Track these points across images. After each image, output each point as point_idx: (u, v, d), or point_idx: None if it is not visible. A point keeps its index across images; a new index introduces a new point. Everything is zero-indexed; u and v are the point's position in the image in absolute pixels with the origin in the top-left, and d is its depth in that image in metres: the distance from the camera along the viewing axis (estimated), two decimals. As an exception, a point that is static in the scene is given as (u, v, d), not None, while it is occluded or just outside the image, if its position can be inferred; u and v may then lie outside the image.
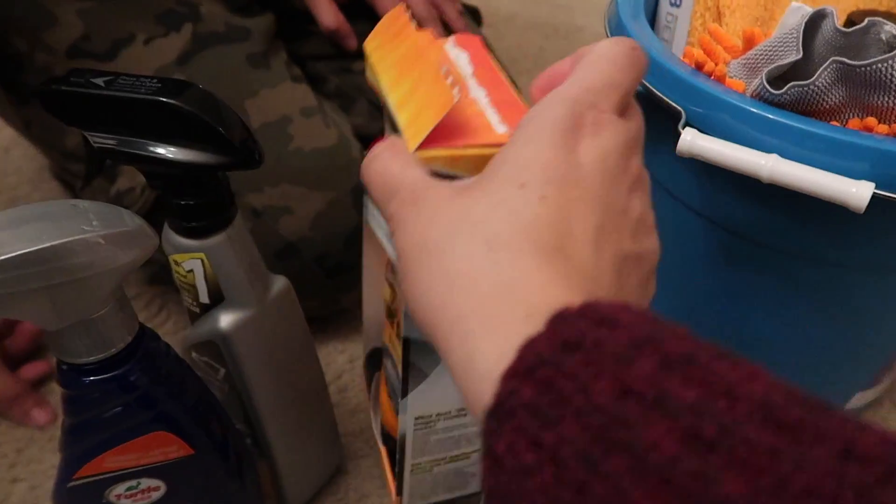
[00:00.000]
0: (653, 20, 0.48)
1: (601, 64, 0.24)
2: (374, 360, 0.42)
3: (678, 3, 0.46)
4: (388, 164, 0.25)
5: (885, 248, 0.37)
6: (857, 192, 0.31)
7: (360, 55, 0.62)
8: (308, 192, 0.50)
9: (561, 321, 0.18)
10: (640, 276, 0.24)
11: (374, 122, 0.63)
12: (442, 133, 0.25)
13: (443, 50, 0.30)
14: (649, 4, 0.47)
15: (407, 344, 0.31)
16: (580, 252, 0.21)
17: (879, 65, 0.31)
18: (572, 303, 0.18)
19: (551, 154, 0.22)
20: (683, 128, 0.35)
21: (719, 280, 0.44)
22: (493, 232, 0.21)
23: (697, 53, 0.38)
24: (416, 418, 0.35)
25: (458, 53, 0.31)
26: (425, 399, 0.34)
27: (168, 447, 0.32)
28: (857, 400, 0.49)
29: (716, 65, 0.36)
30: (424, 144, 0.25)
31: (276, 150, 0.50)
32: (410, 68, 0.27)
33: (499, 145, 0.24)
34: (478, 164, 0.24)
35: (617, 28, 0.42)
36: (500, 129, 0.27)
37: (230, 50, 0.52)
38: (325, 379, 0.45)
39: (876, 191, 0.31)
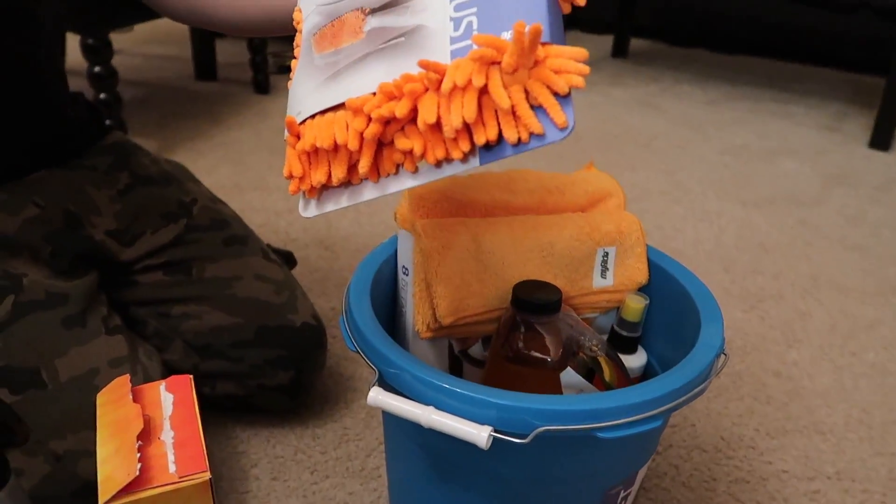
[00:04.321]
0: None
1: None
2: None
3: (406, 272, 0.60)
4: None
5: (541, 468, 0.49)
6: (480, 434, 0.43)
7: (177, 300, 0.73)
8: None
9: None
10: None
11: (187, 359, 0.73)
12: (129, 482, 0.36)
13: (139, 422, 0.40)
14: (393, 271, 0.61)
15: None
16: None
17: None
18: None
19: None
20: (373, 386, 0.46)
21: (442, 492, 0.54)
22: None
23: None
24: None
25: (166, 396, 0.43)
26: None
27: None
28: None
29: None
30: (111, 501, 0.36)
31: (79, 400, 0.59)
32: (117, 434, 0.39)
33: (170, 484, 0.36)
34: (156, 500, 0.36)
35: (347, 303, 0.54)
36: (171, 468, 0.38)
37: (47, 316, 0.62)
38: None
39: (494, 433, 0.43)
